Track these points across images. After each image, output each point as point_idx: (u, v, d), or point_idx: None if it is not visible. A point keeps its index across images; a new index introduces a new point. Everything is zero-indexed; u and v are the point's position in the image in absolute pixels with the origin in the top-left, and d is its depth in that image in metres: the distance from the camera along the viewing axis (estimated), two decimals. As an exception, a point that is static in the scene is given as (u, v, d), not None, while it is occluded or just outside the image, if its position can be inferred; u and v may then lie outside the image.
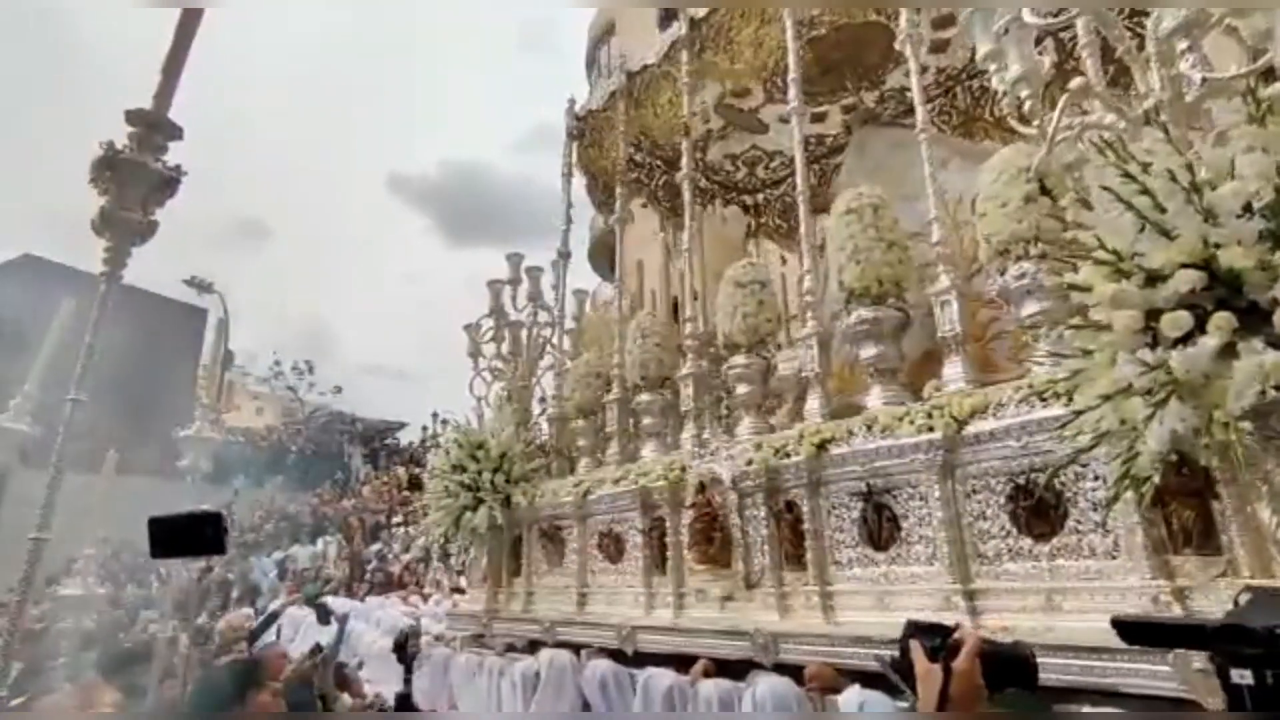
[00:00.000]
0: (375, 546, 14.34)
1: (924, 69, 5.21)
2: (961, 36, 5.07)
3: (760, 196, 6.59)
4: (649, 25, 14.05)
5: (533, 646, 4.62)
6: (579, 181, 6.12)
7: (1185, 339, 1.85)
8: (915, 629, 1.43)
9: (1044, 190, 2.95)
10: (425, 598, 10.26)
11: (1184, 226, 1.87)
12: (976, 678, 1.29)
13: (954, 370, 3.07)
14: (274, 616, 8.88)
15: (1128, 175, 1.96)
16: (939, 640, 1.37)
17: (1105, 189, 2.00)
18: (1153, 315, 1.94)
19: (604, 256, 14.29)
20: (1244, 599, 1.26)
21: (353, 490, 17.67)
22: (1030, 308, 2.88)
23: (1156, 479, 1.90)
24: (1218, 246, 1.80)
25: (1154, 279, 1.94)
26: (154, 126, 6.15)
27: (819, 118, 5.66)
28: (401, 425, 21.98)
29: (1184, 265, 1.86)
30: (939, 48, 5.03)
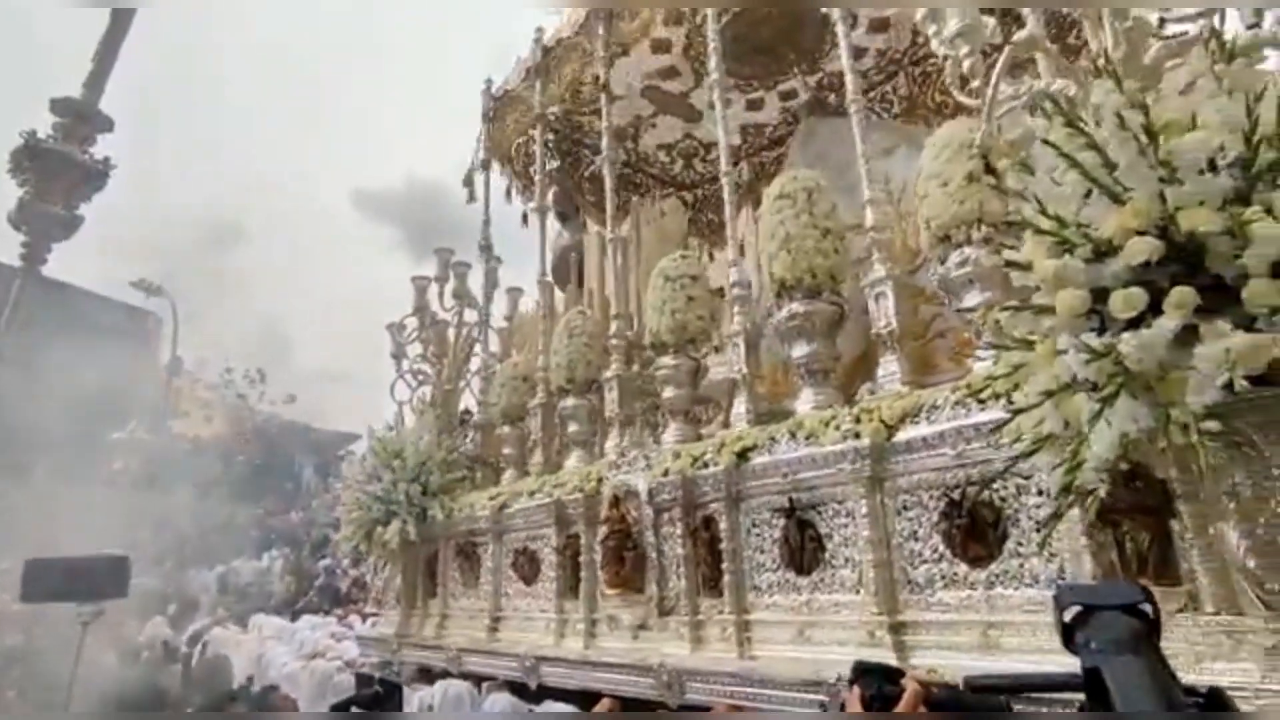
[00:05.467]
0: (324, 561, 13.69)
1: (863, 51, 4.92)
2: (905, 15, 4.78)
3: (699, 192, 6.23)
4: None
5: (445, 676, 4.19)
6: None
7: (1137, 322, 1.53)
8: (861, 672, 1.24)
9: (988, 168, 2.63)
10: (365, 617, 9.71)
11: (1138, 185, 1.54)
12: None
13: (889, 370, 2.72)
14: (197, 636, 8.34)
15: (1073, 126, 1.63)
16: (876, 688, 1.19)
17: (1047, 143, 1.66)
18: (1101, 296, 1.61)
19: (564, 272, 13.67)
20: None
21: (302, 502, 16.96)
22: (973, 298, 2.55)
23: (1104, 492, 1.55)
24: (1177, 209, 1.47)
25: (1102, 252, 1.62)
26: (82, 116, 5.59)
27: (755, 104, 5.29)
28: (357, 437, 21.17)
29: (1137, 233, 1.54)
30: (880, 26, 4.69)
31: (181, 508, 17.01)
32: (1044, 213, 1.64)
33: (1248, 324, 1.41)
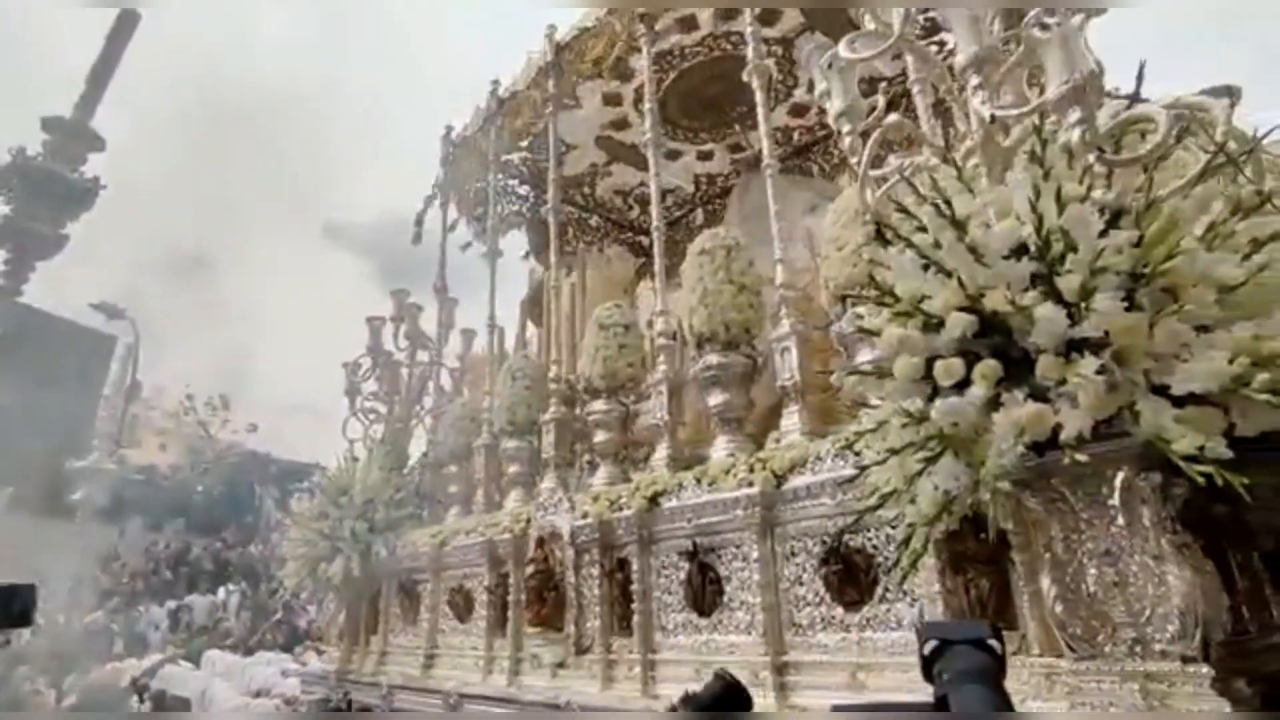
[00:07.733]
0: (282, 597, 13.47)
1: (806, 109, 5.19)
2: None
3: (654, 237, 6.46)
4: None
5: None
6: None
7: (962, 388, 1.69)
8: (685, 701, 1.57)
9: (879, 234, 2.83)
10: (320, 654, 9.60)
11: (957, 267, 1.72)
12: None
13: (791, 421, 2.89)
14: (151, 672, 8.19)
15: (904, 210, 1.82)
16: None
17: (883, 226, 1.85)
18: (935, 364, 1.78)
19: (537, 308, 13.91)
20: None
21: (262, 535, 16.67)
22: (865, 354, 2.71)
23: (919, 545, 1.70)
24: (983, 290, 1.65)
25: (935, 323, 1.79)
26: (72, 134, 5.61)
27: (705, 155, 5.57)
28: (323, 468, 20.73)
29: (959, 309, 1.72)
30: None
31: (134, 540, 16.51)
32: (876, 285, 1.82)
33: (1044, 393, 1.58)
